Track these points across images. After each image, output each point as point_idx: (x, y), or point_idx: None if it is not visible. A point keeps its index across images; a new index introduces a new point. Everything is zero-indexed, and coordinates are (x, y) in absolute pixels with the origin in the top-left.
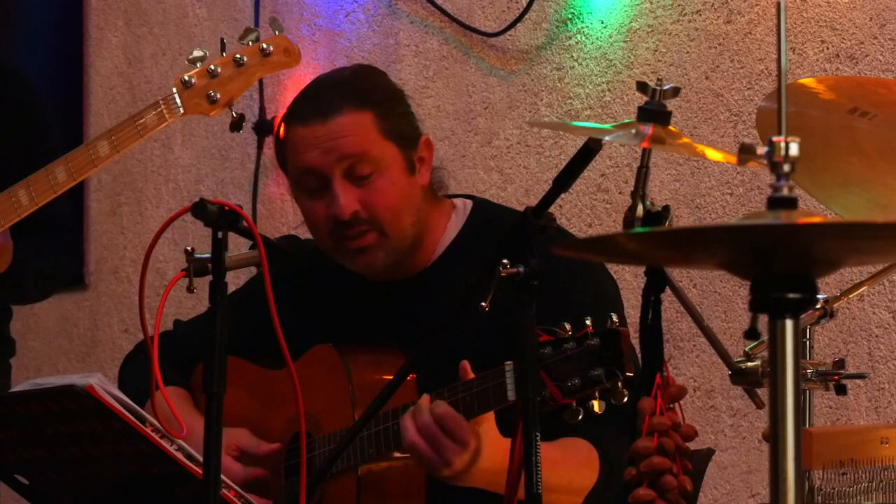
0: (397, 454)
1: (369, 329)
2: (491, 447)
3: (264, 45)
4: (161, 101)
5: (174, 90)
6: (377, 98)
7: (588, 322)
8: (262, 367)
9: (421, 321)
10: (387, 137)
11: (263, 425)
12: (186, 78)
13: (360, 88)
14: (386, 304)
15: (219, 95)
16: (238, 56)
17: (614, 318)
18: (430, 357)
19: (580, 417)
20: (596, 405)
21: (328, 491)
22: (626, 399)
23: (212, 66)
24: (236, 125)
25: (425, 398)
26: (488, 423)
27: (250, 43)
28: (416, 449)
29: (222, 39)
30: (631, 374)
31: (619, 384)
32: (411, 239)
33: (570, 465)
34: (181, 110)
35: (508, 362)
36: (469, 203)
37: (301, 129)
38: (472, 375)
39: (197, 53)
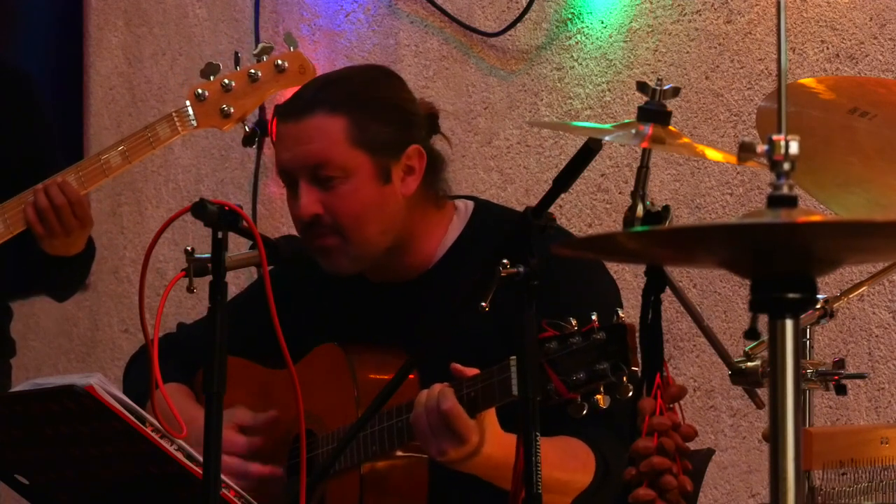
0: (400, 452)
1: (372, 330)
2: (491, 440)
3: (279, 61)
4: (174, 114)
5: (187, 103)
6: (358, 103)
7: (594, 317)
8: (266, 366)
9: (423, 322)
10: (356, 145)
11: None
12: (200, 91)
13: (344, 91)
14: (389, 306)
15: (232, 110)
16: (253, 71)
17: (620, 313)
18: (431, 357)
19: (584, 412)
20: (601, 400)
21: (331, 489)
22: (630, 394)
23: (226, 80)
24: (249, 139)
25: (442, 386)
26: (489, 416)
27: (265, 58)
28: (417, 425)
29: (236, 53)
30: (636, 369)
31: (625, 378)
32: (382, 246)
33: (566, 466)
34: (194, 123)
35: (513, 356)
36: (471, 204)
37: (279, 126)
38: (467, 373)
39: (211, 65)
